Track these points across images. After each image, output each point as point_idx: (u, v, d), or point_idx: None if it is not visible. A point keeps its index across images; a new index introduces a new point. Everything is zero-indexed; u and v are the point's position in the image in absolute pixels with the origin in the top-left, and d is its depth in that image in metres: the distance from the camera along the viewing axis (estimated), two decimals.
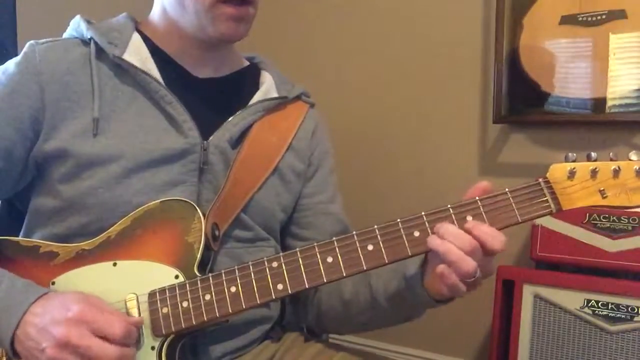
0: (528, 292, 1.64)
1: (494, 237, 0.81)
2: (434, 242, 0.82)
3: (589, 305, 1.56)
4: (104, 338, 0.80)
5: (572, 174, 0.83)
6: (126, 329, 0.82)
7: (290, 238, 1.13)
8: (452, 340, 2.13)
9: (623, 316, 1.52)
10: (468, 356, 2.11)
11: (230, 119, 1.03)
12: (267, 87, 1.10)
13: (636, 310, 1.50)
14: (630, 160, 0.81)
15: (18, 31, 1.85)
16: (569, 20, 1.82)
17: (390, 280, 0.96)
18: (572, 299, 1.58)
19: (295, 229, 1.13)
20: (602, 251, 1.57)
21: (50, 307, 0.83)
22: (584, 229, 1.60)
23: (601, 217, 1.58)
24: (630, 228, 1.56)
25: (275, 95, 1.10)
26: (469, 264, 0.80)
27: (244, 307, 0.86)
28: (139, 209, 0.93)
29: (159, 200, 0.94)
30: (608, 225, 1.58)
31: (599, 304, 1.55)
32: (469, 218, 0.84)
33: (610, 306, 1.53)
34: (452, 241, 0.81)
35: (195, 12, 0.99)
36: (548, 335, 1.62)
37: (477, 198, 0.85)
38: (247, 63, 1.16)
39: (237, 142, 1.03)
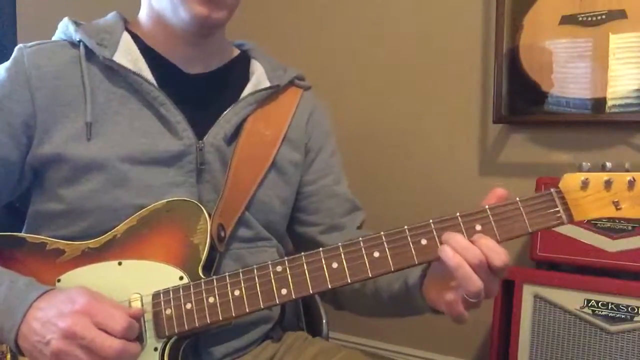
0: (528, 292, 1.64)
1: (496, 253, 0.79)
2: (446, 253, 0.80)
3: (589, 305, 1.56)
4: (106, 331, 0.80)
5: (585, 184, 0.81)
6: (127, 322, 0.82)
7: (299, 225, 1.13)
8: (452, 340, 2.13)
9: (623, 316, 1.52)
10: (468, 356, 2.11)
11: (223, 115, 1.02)
12: (258, 78, 1.09)
13: (636, 310, 1.51)
14: None
15: (18, 31, 1.85)
16: (569, 20, 1.82)
17: (393, 281, 0.96)
18: (572, 299, 1.59)
19: (303, 216, 1.13)
20: (602, 251, 1.58)
21: (55, 301, 0.83)
22: (584, 229, 1.60)
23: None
24: (630, 228, 1.56)
25: (267, 84, 1.08)
26: (476, 284, 0.78)
27: (247, 311, 0.86)
28: (146, 208, 0.93)
29: (165, 200, 0.93)
30: (608, 225, 1.58)
31: (599, 304, 1.55)
32: (478, 227, 0.82)
33: (610, 306, 1.54)
34: (463, 254, 0.79)
35: (170, 0, 0.98)
36: (548, 335, 1.62)
37: (486, 207, 0.83)
38: (237, 52, 1.14)
39: (232, 138, 1.02)
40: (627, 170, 0.80)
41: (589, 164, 0.82)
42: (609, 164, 0.81)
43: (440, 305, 0.85)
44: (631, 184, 0.79)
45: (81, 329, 0.79)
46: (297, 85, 1.14)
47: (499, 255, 0.79)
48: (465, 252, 0.79)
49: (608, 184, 0.80)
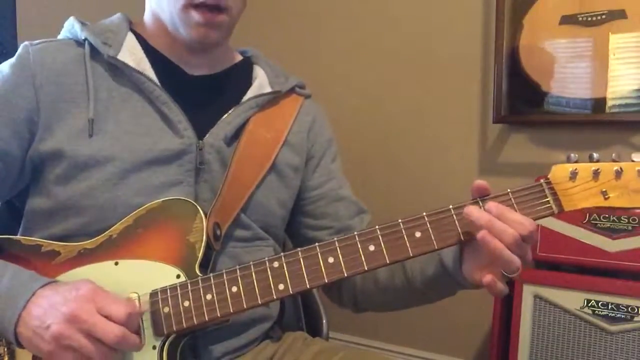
0: (528, 292, 1.64)
1: (522, 225, 0.80)
2: (486, 240, 0.81)
3: (589, 305, 1.56)
4: (108, 317, 0.81)
5: (574, 175, 0.82)
6: (130, 309, 0.82)
7: (309, 230, 1.14)
8: (452, 340, 2.13)
9: (623, 316, 1.52)
10: (468, 356, 2.11)
11: (224, 117, 1.03)
12: (260, 83, 1.11)
13: (636, 310, 1.50)
14: (632, 161, 0.80)
15: (18, 31, 1.86)
16: (569, 20, 1.82)
17: (427, 265, 0.97)
18: (572, 299, 1.58)
19: (311, 220, 1.14)
20: (602, 251, 1.58)
21: (60, 289, 0.83)
22: (584, 229, 1.60)
23: (601, 217, 1.58)
24: (630, 228, 1.56)
25: (269, 90, 1.10)
26: (517, 263, 0.80)
27: (245, 307, 0.86)
28: (141, 208, 0.93)
29: (160, 200, 0.94)
30: (608, 225, 1.58)
31: (599, 304, 1.55)
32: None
33: (610, 306, 1.54)
34: (500, 237, 0.80)
35: (170, 14, 1.00)
36: (548, 335, 1.62)
37: (478, 199, 0.84)
38: (240, 58, 1.16)
39: (233, 139, 1.03)
40: (615, 161, 0.81)
41: (576, 155, 0.83)
42: (596, 155, 0.82)
43: (481, 283, 0.86)
44: (618, 173, 0.80)
45: (84, 313, 0.79)
46: (298, 93, 1.15)
47: (525, 226, 0.80)
48: (502, 234, 0.80)
49: (596, 174, 0.82)
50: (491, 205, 0.82)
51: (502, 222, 0.80)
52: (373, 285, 1.05)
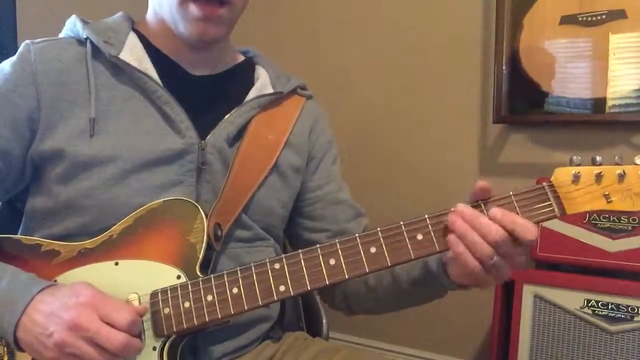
0: (528, 292, 1.64)
1: (524, 227, 0.80)
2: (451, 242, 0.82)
3: (589, 305, 1.56)
4: (111, 324, 0.80)
5: (576, 178, 0.82)
6: (132, 316, 0.82)
7: (306, 232, 1.14)
8: (452, 340, 2.13)
9: (623, 316, 1.52)
10: (468, 356, 2.11)
11: (226, 117, 1.03)
12: (262, 83, 1.10)
13: (636, 310, 1.51)
14: (635, 164, 0.80)
15: (18, 31, 1.86)
16: (569, 20, 1.82)
17: (412, 267, 0.97)
18: (572, 299, 1.59)
19: (308, 222, 1.13)
20: (602, 251, 1.58)
21: (59, 294, 0.83)
22: (584, 229, 1.60)
23: (601, 217, 1.58)
24: (630, 228, 1.56)
25: (271, 90, 1.10)
26: (476, 266, 0.80)
27: (245, 308, 0.86)
28: (142, 208, 0.93)
29: (161, 200, 0.93)
30: (608, 225, 1.58)
31: (599, 304, 1.55)
32: None
33: (610, 306, 1.54)
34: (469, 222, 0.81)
35: (169, 10, 0.99)
36: (548, 335, 1.62)
37: (480, 202, 0.84)
38: (242, 58, 1.16)
39: (235, 140, 1.03)
40: (617, 164, 0.81)
41: (579, 157, 0.83)
42: (599, 158, 0.82)
43: (465, 279, 0.87)
44: (621, 177, 0.80)
45: (86, 321, 0.79)
46: (299, 94, 1.15)
47: (531, 231, 0.80)
48: (474, 246, 0.80)
49: (599, 177, 0.81)
50: (496, 211, 0.81)
51: (478, 236, 0.80)
52: (363, 286, 1.05)
